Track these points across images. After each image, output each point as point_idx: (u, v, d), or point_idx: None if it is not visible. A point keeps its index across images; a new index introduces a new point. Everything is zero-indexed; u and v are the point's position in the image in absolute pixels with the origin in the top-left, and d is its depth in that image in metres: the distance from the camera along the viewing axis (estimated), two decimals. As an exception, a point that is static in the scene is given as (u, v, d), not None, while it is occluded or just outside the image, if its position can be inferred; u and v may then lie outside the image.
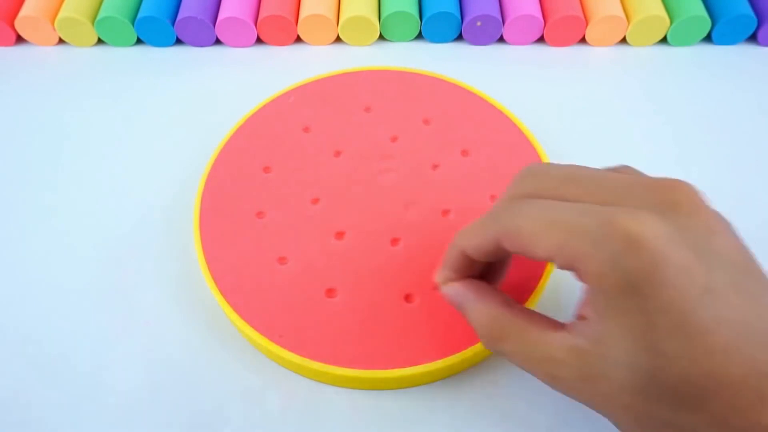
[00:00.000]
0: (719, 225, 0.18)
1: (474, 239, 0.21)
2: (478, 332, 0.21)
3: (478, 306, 0.21)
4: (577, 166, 0.20)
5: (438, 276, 0.23)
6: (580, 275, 0.18)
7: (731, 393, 0.16)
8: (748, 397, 0.16)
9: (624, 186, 0.19)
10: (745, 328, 0.16)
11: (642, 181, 0.19)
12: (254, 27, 0.38)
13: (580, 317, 0.19)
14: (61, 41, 0.39)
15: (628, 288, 0.17)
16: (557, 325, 0.20)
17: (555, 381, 0.19)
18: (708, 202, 0.19)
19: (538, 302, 0.27)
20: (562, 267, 0.18)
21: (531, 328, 0.20)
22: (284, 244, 0.27)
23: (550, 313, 0.28)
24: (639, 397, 0.18)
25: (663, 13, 0.37)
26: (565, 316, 0.27)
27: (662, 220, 0.17)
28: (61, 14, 0.38)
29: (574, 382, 0.19)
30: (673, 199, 0.18)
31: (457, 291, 0.22)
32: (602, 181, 0.19)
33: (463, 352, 0.24)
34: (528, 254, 0.19)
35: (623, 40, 0.38)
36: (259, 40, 0.39)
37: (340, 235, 0.27)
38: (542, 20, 0.37)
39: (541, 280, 0.26)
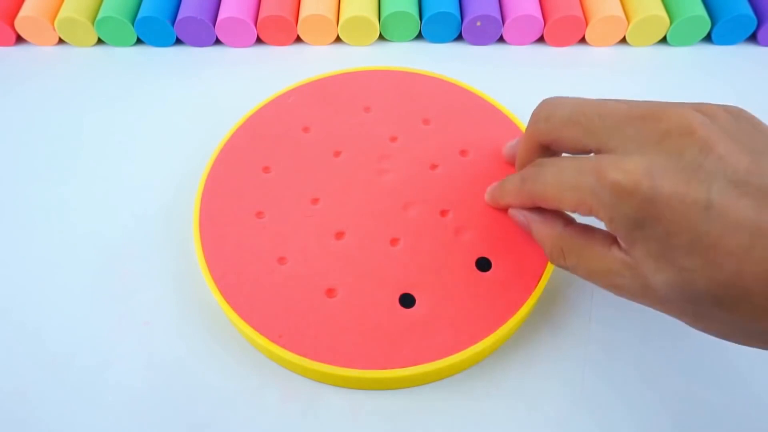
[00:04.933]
0: (714, 136, 0.19)
1: (515, 200, 0.26)
2: (543, 246, 0.24)
3: (541, 227, 0.24)
4: (580, 102, 0.23)
5: (496, 205, 0.28)
6: (602, 221, 0.21)
7: (756, 293, 0.17)
8: None
9: (616, 124, 0.21)
10: (754, 229, 0.17)
11: (634, 114, 0.20)
12: (254, 27, 0.38)
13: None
14: (61, 41, 0.39)
15: (635, 225, 0.19)
16: (612, 240, 0.21)
17: (616, 290, 0.22)
18: (705, 117, 0.19)
19: (543, 291, 0.27)
20: (587, 216, 0.21)
21: (589, 244, 0.22)
22: (284, 244, 0.27)
23: (556, 299, 0.28)
24: (685, 302, 0.19)
25: (663, 13, 0.37)
26: (569, 305, 0.27)
27: (647, 158, 0.19)
28: (61, 14, 0.38)
29: (633, 291, 0.21)
30: (661, 128, 0.19)
31: (524, 213, 0.25)
32: (598, 122, 0.21)
33: (463, 351, 0.24)
34: (558, 208, 0.23)
35: (623, 40, 0.38)
36: (259, 40, 0.39)
37: (339, 235, 0.27)
38: (542, 20, 0.37)
39: (546, 269, 0.26)
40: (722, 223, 0.18)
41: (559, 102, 0.23)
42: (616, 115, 0.21)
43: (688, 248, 0.18)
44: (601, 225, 0.22)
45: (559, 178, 0.22)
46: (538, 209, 0.25)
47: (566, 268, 0.23)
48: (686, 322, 0.21)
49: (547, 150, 0.24)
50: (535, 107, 0.24)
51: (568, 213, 0.24)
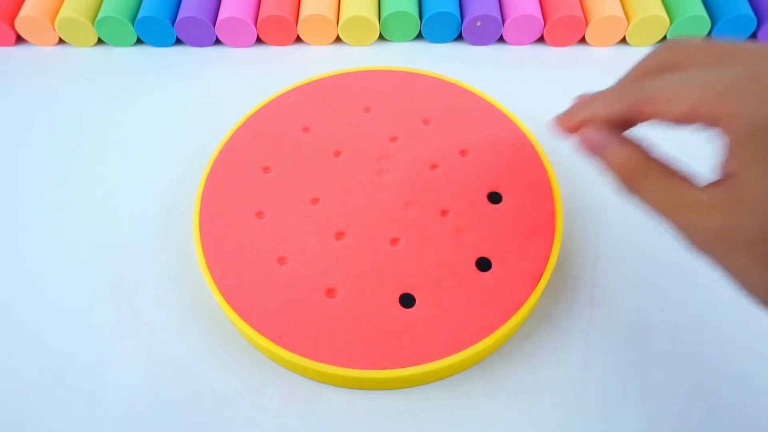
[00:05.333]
0: None
1: (610, 106, 0.22)
2: (618, 171, 0.21)
3: (620, 147, 0.21)
4: (712, 40, 0.21)
5: (570, 123, 0.24)
6: (723, 128, 0.18)
7: None
8: None
9: (762, 52, 0.19)
10: None
11: None
12: (254, 27, 0.38)
13: (725, 176, 0.19)
14: (61, 41, 0.39)
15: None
16: (693, 185, 0.20)
17: (691, 230, 0.19)
18: None
19: (543, 291, 0.27)
20: (700, 122, 0.19)
21: (674, 176, 0.20)
22: (284, 244, 0.27)
23: (556, 299, 0.28)
24: None
25: (663, 13, 0.37)
26: (569, 305, 0.27)
27: None
28: (61, 14, 0.38)
29: (712, 234, 0.19)
30: None
31: (601, 133, 0.22)
32: (738, 49, 0.20)
33: (463, 351, 0.24)
34: (664, 116, 0.20)
35: (623, 40, 0.38)
36: (259, 40, 0.39)
37: (340, 235, 0.27)
38: (542, 20, 0.37)
39: (546, 269, 0.26)
40: None
41: (684, 39, 0.22)
42: (757, 48, 0.20)
43: None
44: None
45: (684, 77, 0.20)
46: (616, 131, 0.22)
47: (641, 191, 0.21)
48: (745, 279, 0.19)
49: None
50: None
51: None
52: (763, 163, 0.18)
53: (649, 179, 0.21)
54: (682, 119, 0.19)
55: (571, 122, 0.23)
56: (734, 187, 0.18)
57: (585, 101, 0.24)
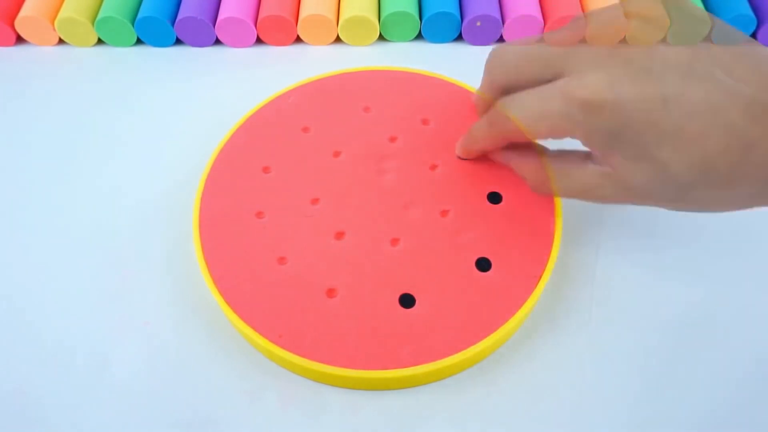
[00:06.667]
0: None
1: (488, 146, 0.28)
2: (527, 181, 0.27)
3: (520, 163, 0.27)
4: (527, 42, 0.25)
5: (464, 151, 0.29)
6: (576, 139, 0.23)
7: (721, 165, 0.20)
8: (732, 155, 0.20)
9: (568, 49, 0.23)
10: (707, 111, 0.20)
11: (579, 37, 0.23)
12: (254, 27, 0.38)
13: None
14: (61, 41, 0.39)
15: (610, 135, 0.22)
16: (585, 156, 0.24)
17: (603, 200, 0.24)
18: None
19: (543, 291, 0.27)
20: (562, 138, 0.23)
21: (566, 167, 0.25)
22: (284, 244, 0.27)
23: (556, 299, 0.28)
24: (665, 188, 0.22)
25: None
26: (569, 305, 0.27)
27: (604, 71, 0.21)
28: (61, 14, 0.38)
29: (617, 196, 0.24)
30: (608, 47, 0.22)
31: (500, 154, 0.28)
32: (551, 52, 0.23)
33: (464, 351, 0.24)
34: (532, 139, 0.25)
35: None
36: (259, 40, 0.39)
37: (339, 235, 0.27)
38: (542, 20, 0.37)
39: (546, 269, 0.26)
40: (681, 111, 0.20)
41: (508, 47, 0.26)
42: (564, 44, 0.23)
43: (657, 143, 0.21)
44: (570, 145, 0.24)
45: (525, 112, 0.24)
46: (513, 145, 0.27)
47: (552, 194, 0.26)
48: (667, 207, 0.24)
49: (507, 93, 0.26)
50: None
51: (541, 142, 0.26)
52: (619, 151, 0.22)
53: (553, 182, 0.25)
54: (544, 138, 0.24)
55: (471, 154, 0.29)
56: (609, 167, 0.23)
57: (466, 139, 0.28)
